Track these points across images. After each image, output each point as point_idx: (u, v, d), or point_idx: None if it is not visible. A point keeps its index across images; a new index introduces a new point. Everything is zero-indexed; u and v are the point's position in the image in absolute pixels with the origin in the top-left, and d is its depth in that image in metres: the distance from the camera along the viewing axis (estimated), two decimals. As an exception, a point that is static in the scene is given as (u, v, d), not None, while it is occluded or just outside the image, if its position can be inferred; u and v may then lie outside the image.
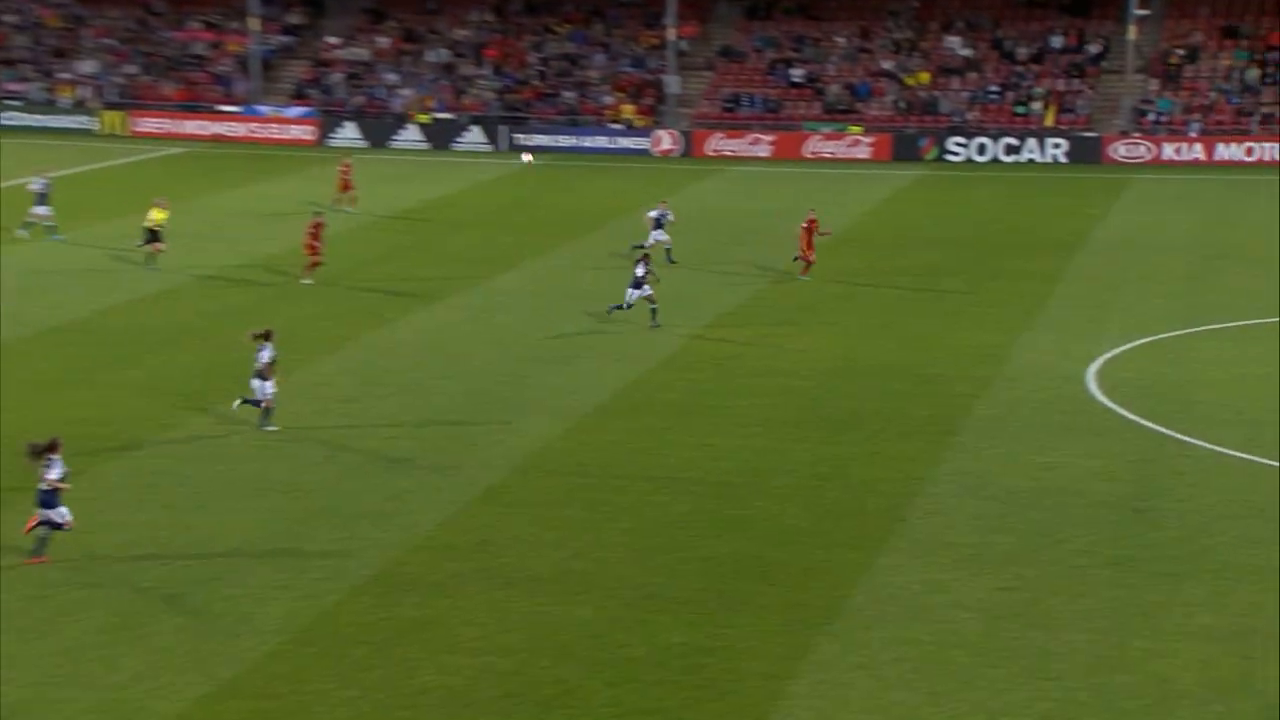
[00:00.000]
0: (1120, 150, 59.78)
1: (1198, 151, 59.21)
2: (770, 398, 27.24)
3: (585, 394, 27.50)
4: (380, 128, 64.84)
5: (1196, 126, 60.30)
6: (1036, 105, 63.17)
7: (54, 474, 18.80)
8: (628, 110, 64.96)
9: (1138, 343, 30.99)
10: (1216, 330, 32.10)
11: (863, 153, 61.80)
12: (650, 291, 31.80)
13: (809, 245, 36.96)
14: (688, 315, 33.89)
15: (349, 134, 64.77)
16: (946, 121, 63.43)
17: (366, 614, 17.84)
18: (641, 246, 38.44)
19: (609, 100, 66.00)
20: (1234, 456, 23.47)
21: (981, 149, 61.19)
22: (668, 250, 39.10)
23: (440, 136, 64.17)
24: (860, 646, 17.02)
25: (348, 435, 24.80)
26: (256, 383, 24.51)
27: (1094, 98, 63.68)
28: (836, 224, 44.47)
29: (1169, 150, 59.44)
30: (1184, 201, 51.13)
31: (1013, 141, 60.98)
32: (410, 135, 64.32)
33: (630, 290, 31.95)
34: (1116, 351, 30.43)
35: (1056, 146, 60.53)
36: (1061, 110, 62.97)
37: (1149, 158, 59.43)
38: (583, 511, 21.36)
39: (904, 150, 61.50)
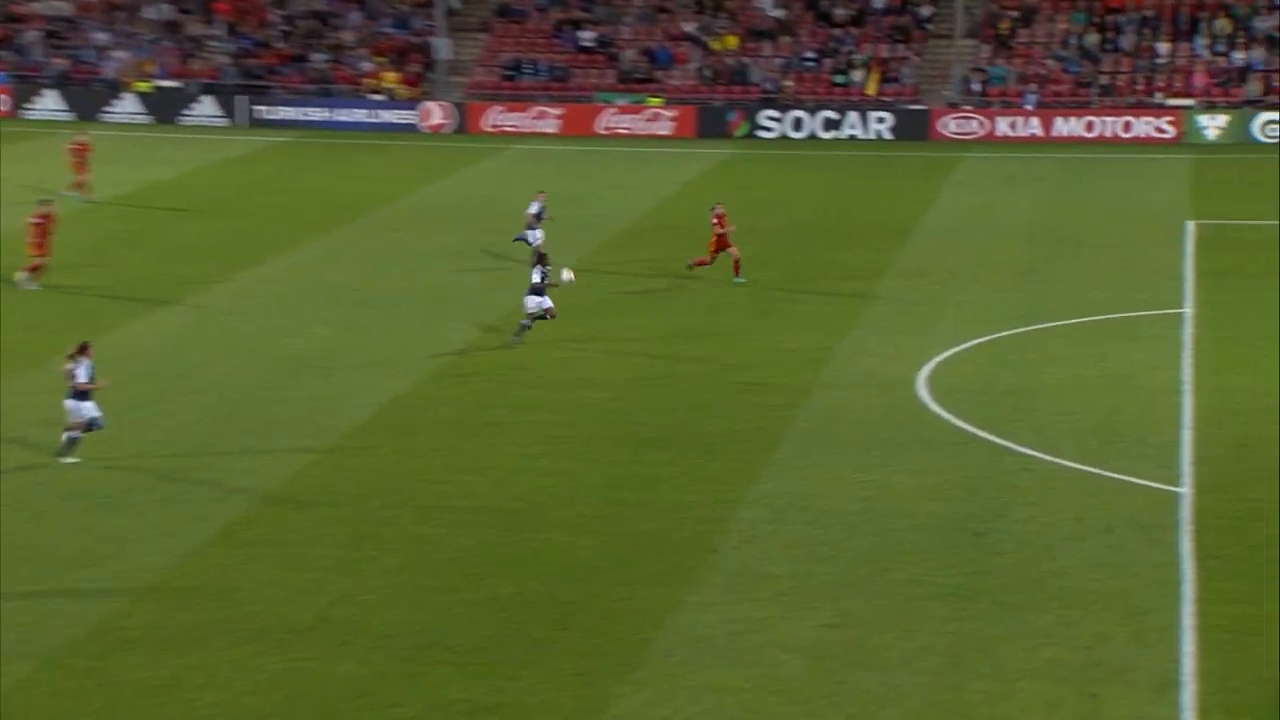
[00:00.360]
0: (950, 125, 61.66)
1: (1034, 126, 61.45)
2: (563, 412, 27.27)
3: (343, 410, 27.15)
4: (88, 97, 62.98)
5: (1033, 99, 62.59)
6: (857, 74, 64.74)
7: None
8: (390, 79, 64.33)
9: (973, 343, 31.93)
10: (1058, 327, 33.29)
11: (664, 128, 62.45)
12: (550, 304, 31.08)
13: (717, 246, 36.39)
14: (465, 317, 33.77)
15: (50, 105, 62.75)
16: (758, 92, 64.54)
17: (71, 684, 17.20)
18: (524, 240, 38.25)
19: (367, 67, 65.29)
20: (1077, 470, 24.36)
21: (798, 124, 62.41)
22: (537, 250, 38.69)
23: (164, 108, 62.68)
24: (667, 697, 17.13)
25: (50, 468, 23.96)
26: (73, 404, 23.86)
27: (921, 65, 65.51)
28: (636, 210, 44.90)
29: (1003, 125, 61.54)
30: (1020, 183, 52.98)
31: (832, 115, 62.35)
32: (127, 106, 62.65)
33: (529, 299, 31.15)
34: (949, 353, 31.28)
35: (880, 121, 62.11)
36: (885, 80, 64.67)
37: (981, 133, 61.43)
38: (343, 549, 21.07)
39: (710, 125, 62.35)
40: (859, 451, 25.26)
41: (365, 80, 64.67)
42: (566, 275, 32.30)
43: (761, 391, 28.62)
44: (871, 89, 64.26)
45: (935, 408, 27.66)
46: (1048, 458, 24.90)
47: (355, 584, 19.94)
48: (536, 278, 31.08)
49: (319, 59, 65.46)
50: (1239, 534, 21.53)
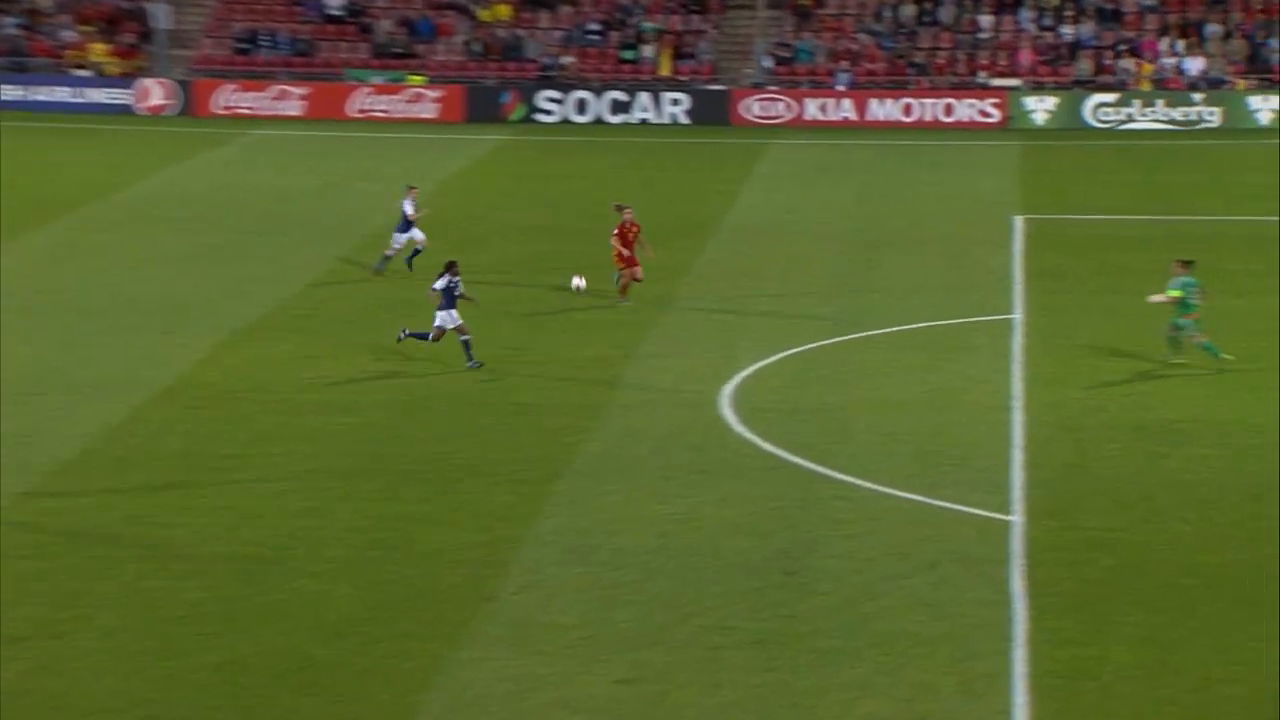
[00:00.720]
0: (754, 108, 62.66)
1: (847, 110, 62.78)
2: (311, 442, 27.00)
3: (48, 443, 26.53)
4: None
5: (845, 78, 63.92)
6: (648, 49, 65.35)
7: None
8: (98, 51, 62.96)
9: (782, 355, 32.41)
10: (876, 337, 33.99)
11: (427, 111, 62.33)
12: (459, 320, 30.87)
13: (627, 257, 35.43)
14: (195, 331, 33.23)
15: None
16: (535, 70, 64.74)
17: None
18: (388, 254, 37.67)
19: (70, 36, 63.78)
20: (899, 498, 24.87)
21: (581, 106, 62.83)
22: (415, 254, 38.24)
23: None
24: (438, 770, 17.05)
25: None
26: None
27: (719, 40, 66.44)
28: (394, 208, 44.54)
29: (813, 108, 62.76)
30: (833, 173, 54.07)
31: (620, 97, 62.91)
32: None
33: (441, 313, 30.81)
34: (756, 367, 31.71)
35: (675, 103, 62.88)
36: (679, 56, 65.40)
37: (789, 117, 62.56)
38: (46, 608, 20.56)
39: (481, 108, 62.41)
40: (657, 480, 25.45)
41: (68, 53, 63.19)
42: (577, 282, 33.65)
43: (543, 413, 28.69)
44: (664, 67, 64.96)
45: (741, 429, 28.02)
46: (867, 485, 25.38)
47: (62, 649, 19.45)
48: (440, 285, 30.80)
49: (9, 26, 63.71)
50: (1073, 567, 22.18)
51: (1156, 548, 22.80)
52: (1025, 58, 64.79)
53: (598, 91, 62.90)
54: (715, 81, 64.58)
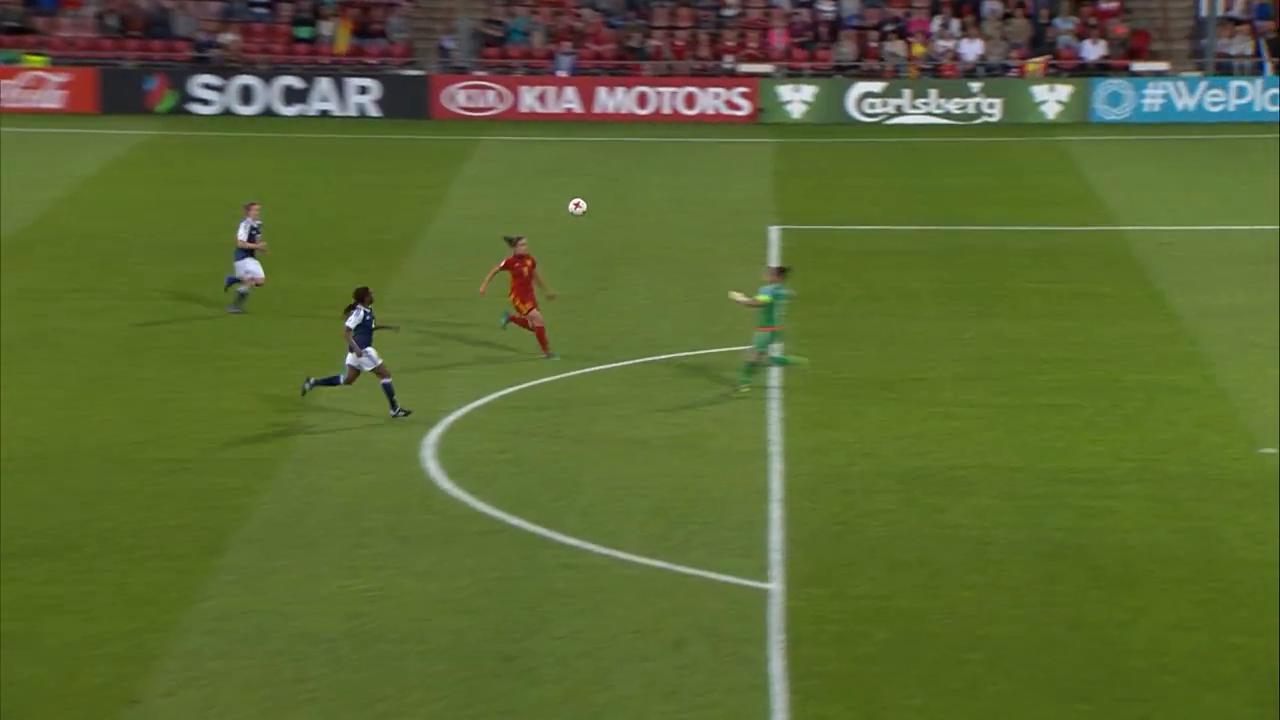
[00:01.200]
0: (459, 98, 62.66)
1: (571, 100, 63.15)
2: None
3: None
4: None
5: (567, 63, 64.32)
6: (327, 26, 64.98)
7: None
8: None
9: (499, 394, 32.45)
10: (611, 372, 34.21)
11: (50, 100, 61.19)
12: (379, 360, 30.56)
13: (524, 293, 34.21)
14: None
15: None
16: (187, 51, 63.93)
17: None
18: (236, 280, 37.06)
19: None
20: (638, 564, 24.96)
21: (246, 95, 62.20)
22: (246, 288, 37.44)
23: None
24: None
25: None
26: None
27: (415, 15, 66.35)
28: (13, 218, 43.70)
29: (529, 98, 63.01)
30: (555, 176, 54.22)
31: (295, 83, 62.40)
32: None
33: (352, 354, 30.58)
34: (467, 410, 31.79)
35: (363, 92, 62.62)
36: (365, 34, 65.17)
37: (501, 109, 62.70)
38: None
39: (119, 96, 61.42)
40: (347, 550, 25.28)
41: None
42: (575, 207, 34.94)
43: (204, 471, 28.34)
44: (341, 43, 64.61)
45: (450, 486, 27.98)
46: (599, 549, 25.46)
47: None
48: (353, 321, 30.53)
49: None
50: (841, 642, 22.46)
51: (936, 618, 23.22)
52: (778, 39, 65.92)
53: (266, 77, 62.31)
54: (411, 66, 64.49)
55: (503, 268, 34.66)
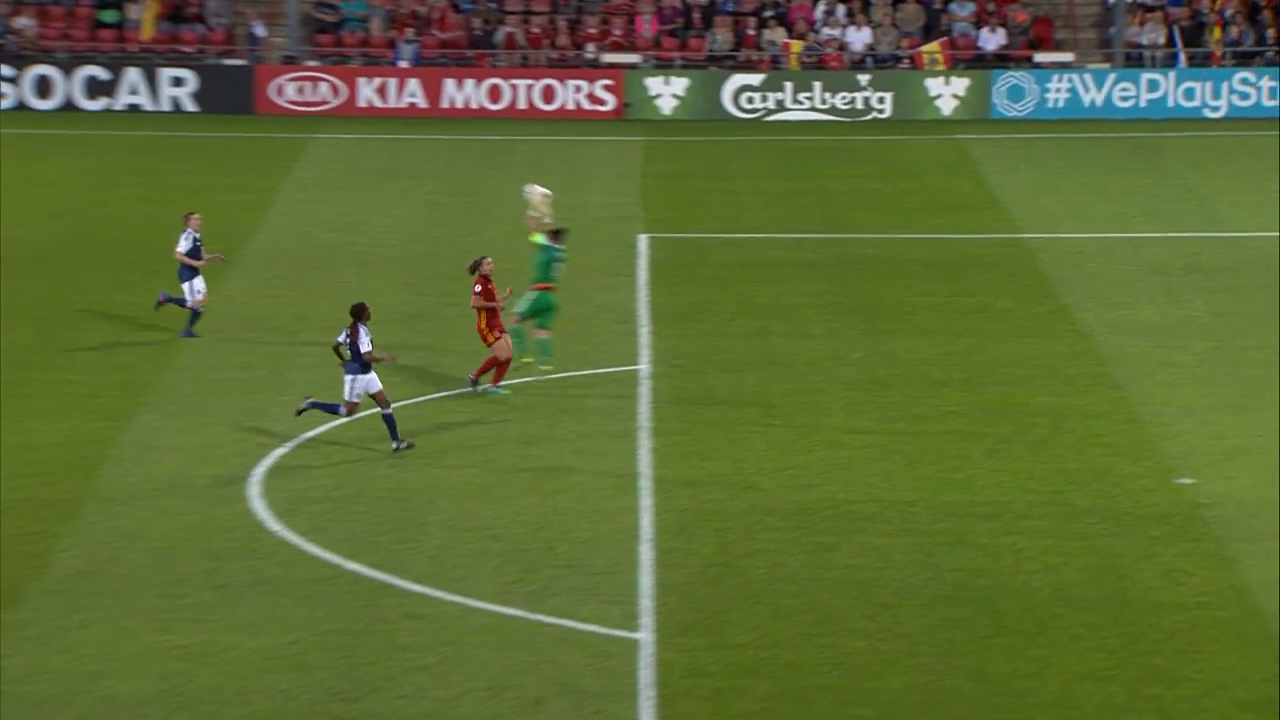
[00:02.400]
0: (287, 91, 62.38)
1: (414, 93, 62.98)
2: None
3: None
4: None
5: (410, 52, 64.16)
6: (135, 9, 64.42)
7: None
8: None
9: (335, 424, 32.25)
10: (462, 397, 34.11)
11: None
12: (378, 386, 30.83)
13: (483, 325, 33.76)
14: None
15: None
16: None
17: None
18: (174, 302, 36.91)
19: None
20: (492, 613, 24.91)
21: (44, 87, 61.70)
22: (192, 311, 37.19)
23: None
24: None
25: None
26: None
27: None
28: None
29: (368, 91, 62.79)
30: (396, 178, 54.14)
31: (100, 74, 61.89)
32: None
33: (357, 378, 30.75)
34: (298, 442, 31.67)
35: (178, 84, 62.22)
36: (176, 18, 64.67)
37: (336, 104, 62.48)
38: None
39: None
40: (161, 601, 25.04)
41: None
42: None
43: (-1, 513, 28.06)
44: (148, 31, 64.13)
45: (279, 527, 27.84)
46: (449, 597, 25.38)
47: None
48: (365, 344, 30.53)
49: None
50: (718, 698, 22.45)
51: (823, 670, 23.25)
52: (646, 27, 66.02)
53: (66, 67, 61.82)
54: (233, 54, 64.14)
55: (481, 292, 34.00)
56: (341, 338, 30.92)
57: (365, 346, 30.75)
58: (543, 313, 34.54)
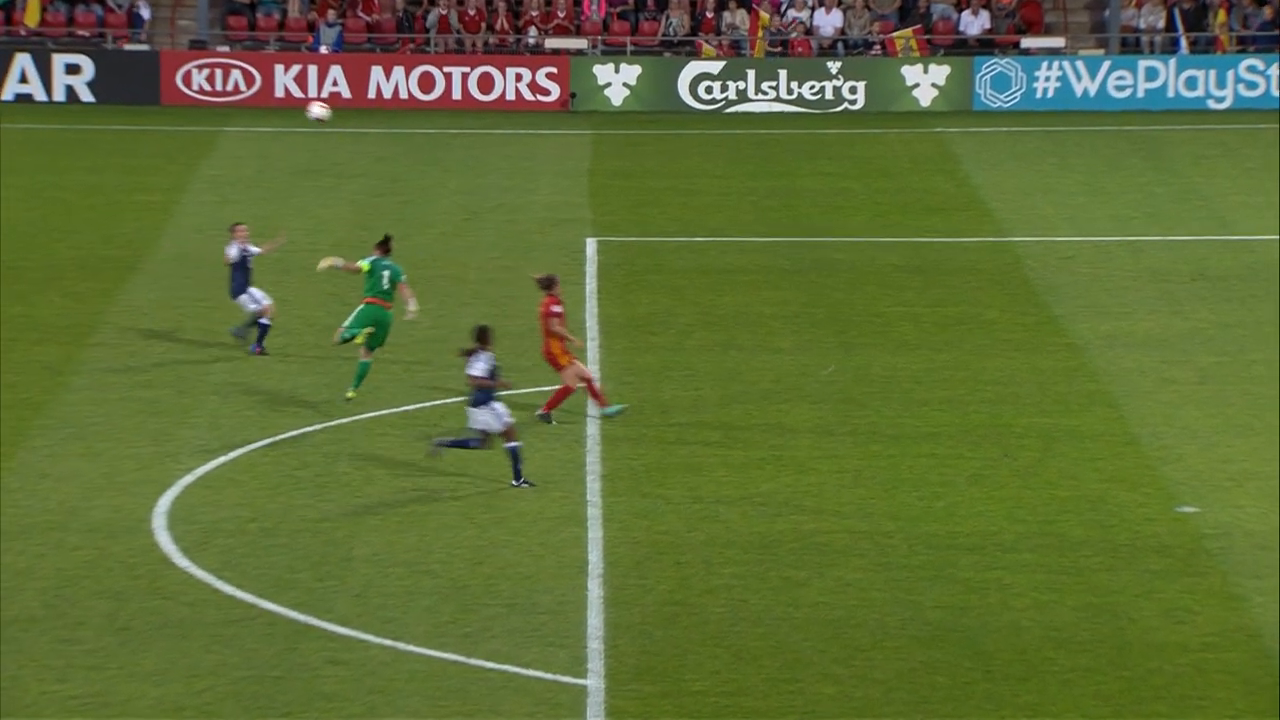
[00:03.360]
0: (196, 80, 62.25)
1: (337, 82, 62.86)
2: None
3: None
4: None
5: (332, 36, 64.10)
6: (23, -8, 64.46)
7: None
8: None
9: (248, 449, 32.27)
10: (390, 419, 34.12)
11: None
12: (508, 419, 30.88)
13: (558, 349, 33.69)
14: None
15: None
16: None
17: None
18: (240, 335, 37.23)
19: None
20: (424, 657, 24.90)
21: (-75, 78, 61.61)
22: (259, 329, 37.37)
23: None
24: None
25: None
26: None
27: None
28: None
29: (284, 80, 62.70)
30: (316, 175, 54.26)
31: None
32: None
33: (479, 411, 30.78)
34: (210, 468, 31.60)
35: (73, 72, 62.03)
36: (69, 0, 64.56)
37: (248, 94, 62.43)
38: None
39: None
40: (54, 646, 24.94)
41: None
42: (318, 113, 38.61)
43: None
44: (31, 16, 64.04)
45: (187, 563, 27.77)
46: (377, 640, 25.35)
47: None
48: (479, 369, 30.57)
49: None
50: (674, 752, 22.62)
51: (790, 719, 23.31)
52: (593, 9, 66.04)
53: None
54: (134, 39, 64.01)
55: (547, 314, 33.94)
56: (481, 369, 30.81)
57: (480, 370, 30.81)
58: (367, 328, 34.71)
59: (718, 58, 64.16)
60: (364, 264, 34.55)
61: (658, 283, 43.41)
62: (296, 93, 62.20)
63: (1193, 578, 27.34)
